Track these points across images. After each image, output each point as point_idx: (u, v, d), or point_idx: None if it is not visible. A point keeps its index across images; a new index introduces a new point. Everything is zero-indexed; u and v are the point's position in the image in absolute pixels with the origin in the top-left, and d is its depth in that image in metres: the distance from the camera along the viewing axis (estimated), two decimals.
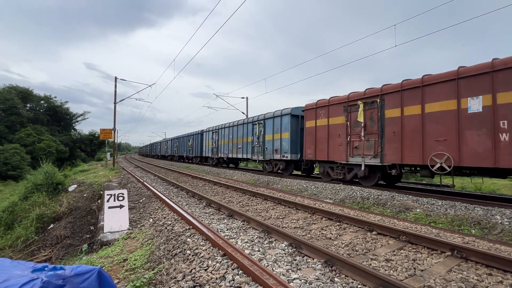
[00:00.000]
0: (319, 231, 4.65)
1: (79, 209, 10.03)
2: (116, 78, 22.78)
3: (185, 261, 3.34)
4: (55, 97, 50.96)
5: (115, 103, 22.95)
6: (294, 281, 2.68)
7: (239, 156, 17.43)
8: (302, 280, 2.69)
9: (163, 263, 3.46)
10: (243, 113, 26.19)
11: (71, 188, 12.99)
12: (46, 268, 1.54)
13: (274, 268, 2.99)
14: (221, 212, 6.07)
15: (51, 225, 9.47)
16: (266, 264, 3.09)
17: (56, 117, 50.12)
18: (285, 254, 3.49)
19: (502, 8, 8.55)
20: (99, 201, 10.14)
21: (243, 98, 26.65)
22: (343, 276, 2.90)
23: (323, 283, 2.67)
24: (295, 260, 3.29)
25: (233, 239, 4.05)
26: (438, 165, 7.19)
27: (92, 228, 8.70)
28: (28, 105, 45.92)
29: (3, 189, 23.81)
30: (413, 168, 8.64)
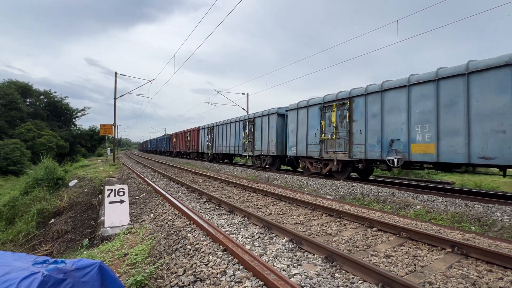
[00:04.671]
0: (320, 227, 4.65)
1: (79, 204, 10.05)
2: (116, 73, 22.68)
3: (185, 256, 3.35)
4: (55, 92, 50.86)
5: (115, 98, 22.88)
6: (294, 276, 2.68)
7: None
8: (303, 276, 2.69)
9: (164, 258, 3.47)
10: (243, 109, 26.11)
11: (71, 183, 13.02)
12: (47, 262, 1.53)
13: (274, 264, 3.00)
14: (221, 208, 6.08)
15: (52, 220, 9.50)
16: (267, 260, 3.10)
17: (56, 112, 50.03)
18: (286, 249, 3.49)
19: (505, 4, 8.45)
20: (99, 196, 10.16)
21: (243, 94, 26.56)
22: (344, 272, 2.90)
23: (323, 278, 2.67)
24: (295, 255, 3.29)
25: (234, 235, 4.05)
26: None
27: (92, 223, 8.72)
28: (28, 100, 45.81)
29: (4, 184, 23.87)
30: None
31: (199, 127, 25.46)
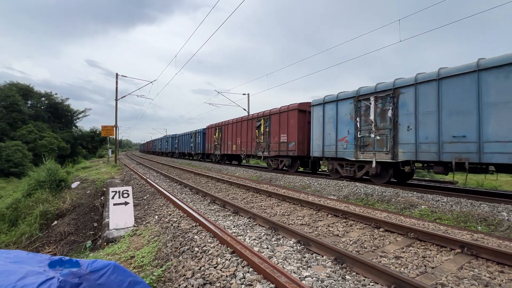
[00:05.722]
0: (326, 228, 4.63)
1: (82, 206, 10.04)
2: (117, 74, 22.69)
3: (193, 258, 3.32)
4: (56, 94, 50.95)
5: (116, 99, 22.89)
6: (306, 278, 2.66)
7: None
8: (314, 278, 2.66)
9: (171, 260, 3.45)
10: (244, 109, 26.11)
11: (74, 185, 13.01)
12: (62, 262, 1.51)
13: (284, 266, 2.97)
14: (226, 209, 6.05)
15: (55, 222, 9.49)
16: (276, 262, 3.07)
17: (57, 114, 50.10)
18: (294, 251, 3.46)
19: (508, 2, 8.43)
20: (102, 198, 10.15)
21: (244, 94, 26.56)
22: (354, 273, 2.87)
23: (335, 280, 2.64)
24: (304, 257, 3.26)
25: (241, 236, 4.03)
26: None
27: (95, 224, 8.72)
28: (29, 102, 45.88)
29: (6, 186, 23.90)
30: None
31: (309, 103, 12.10)
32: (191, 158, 30.47)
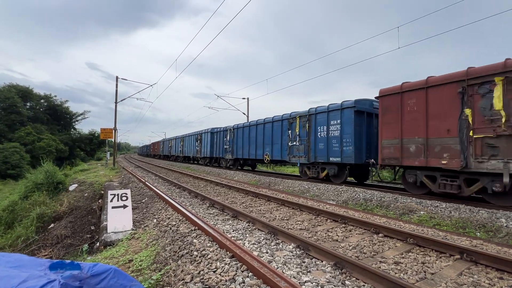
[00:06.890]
0: (325, 233, 4.62)
1: (79, 209, 9.97)
2: (117, 77, 22.74)
3: (192, 262, 3.30)
4: (55, 96, 50.83)
5: (116, 102, 22.91)
6: (305, 284, 2.65)
7: None
8: (314, 283, 2.65)
9: (170, 264, 3.43)
10: (244, 113, 26.18)
11: (71, 188, 12.93)
12: (63, 266, 1.51)
13: (284, 271, 2.96)
14: (225, 213, 6.03)
15: (52, 225, 9.41)
16: (276, 267, 3.06)
17: (56, 116, 49.96)
18: (294, 256, 3.45)
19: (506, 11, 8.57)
20: (100, 201, 10.09)
21: (244, 99, 26.65)
22: (354, 279, 2.87)
23: (334, 286, 2.64)
24: (304, 262, 3.25)
25: (240, 241, 4.01)
26: None
27: (92, 228, 8.65)
28: (28, 104, 45.78)
29: (3, 188, 23.70)
30: None
31: None
32: (259, 168, 16.33)
